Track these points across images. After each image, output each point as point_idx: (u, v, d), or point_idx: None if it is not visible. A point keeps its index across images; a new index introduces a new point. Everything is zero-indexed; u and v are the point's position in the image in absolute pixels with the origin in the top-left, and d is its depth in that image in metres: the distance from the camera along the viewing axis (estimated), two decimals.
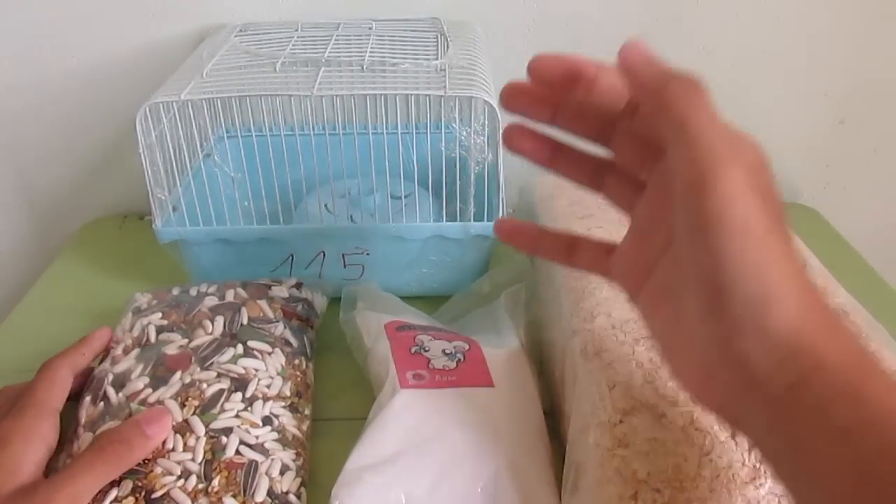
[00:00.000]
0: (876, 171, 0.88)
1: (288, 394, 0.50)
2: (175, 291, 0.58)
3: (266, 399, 0.48)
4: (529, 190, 0.68)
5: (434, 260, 0.64)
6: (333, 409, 0.55)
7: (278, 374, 0.51)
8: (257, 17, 0.76)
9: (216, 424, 0.46)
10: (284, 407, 0.49)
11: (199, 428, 0.45)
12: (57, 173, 0.84)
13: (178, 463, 0.44)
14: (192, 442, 0.45)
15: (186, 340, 0.52)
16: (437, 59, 0.63)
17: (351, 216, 0.64)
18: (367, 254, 0.64)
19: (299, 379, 0.52)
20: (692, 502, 0.38)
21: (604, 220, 0.59)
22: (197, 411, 0.46)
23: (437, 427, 0.47)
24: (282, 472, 0.45)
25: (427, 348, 0.53)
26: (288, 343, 0.54)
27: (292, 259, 0.64)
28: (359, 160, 0.62)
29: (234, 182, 0.63)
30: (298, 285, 0.60)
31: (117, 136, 0.82)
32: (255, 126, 0.75)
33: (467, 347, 0.53)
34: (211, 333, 0.52)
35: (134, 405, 0.47)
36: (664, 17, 0.77)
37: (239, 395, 0.48)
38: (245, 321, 0.54)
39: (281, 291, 0.58)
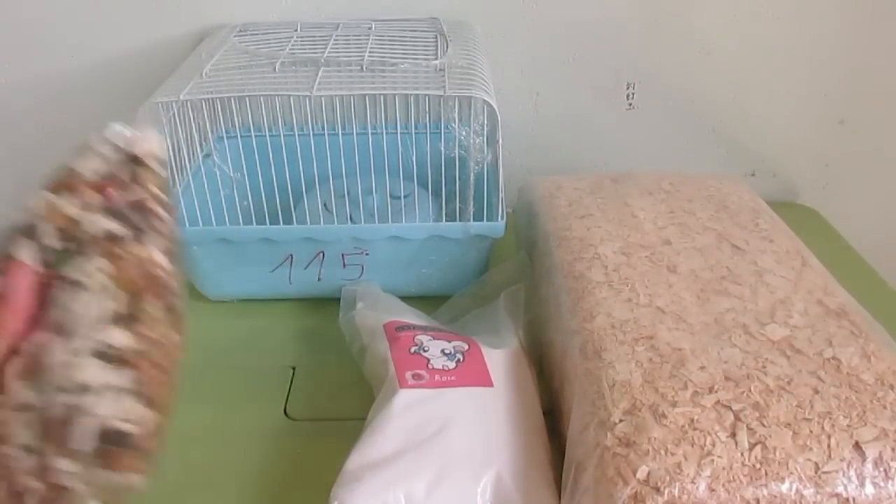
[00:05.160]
0: (876, 171, 0.88)
1: (106, 310, 0.40)
2: None
3: (79, 331, 0.39)
4: (529, 190, 0.68)
5: (433, 260, 0.64)
6: (333, 409, 0.55)
7: (100, 285, 0.40)
8: (257, 18, 0.76)
9: (39, 387, 0.38)
10: (112, 323, 0.40)
11: (26, 395, 0.38)
12: None
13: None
14: (20, 415, 0.38)
15: None
16: (436, 59, 0.63)
17: (350, 216, 0.64)
18: (367, 254, 0.64)
19: (129, 274, 0.41)
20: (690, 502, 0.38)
21: (603, 220, 0.59)
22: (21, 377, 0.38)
23: (436, 427, 0.47)
24: (110, 402, 0.38)
25: (426, 348, 0.53)
26: (110, 236, 0.42)
27: (292, 259, 0.64)
28: (358, 160, 0.62)
29: (234, 182, 0.63)
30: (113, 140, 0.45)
31: None
32: (254, 126, 0.75)
33: (467, 347, 0.53)
34: None
35: None
36: (664, 17, 0.77)
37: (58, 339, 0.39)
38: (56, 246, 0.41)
39: (93, 162, 0.44)
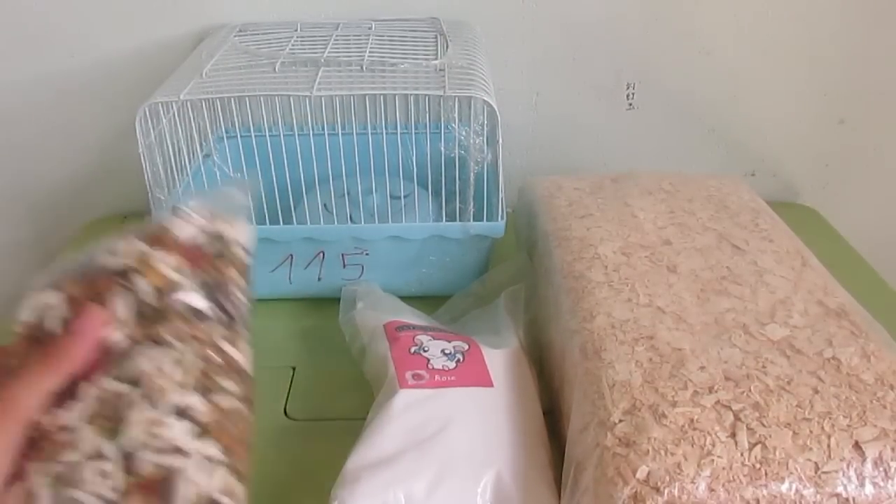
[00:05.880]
0: (876, 171, 0.88)
1: (187, 377, 0.39)
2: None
3: (163, 390, 0.38)
4: (529, 190, 0.68)
5: (434, 260, 0.64)
6: (333, 409, 0.55)
7: (185, 351, 0.39)
8: (257, 18, 0.76)
9: (125, 441, 0.36)
10: (192, 391, 0.39)
11: (97, 442, 0.36)
12: (57, 173, 0.84)
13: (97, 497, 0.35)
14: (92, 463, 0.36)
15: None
16: (436, 59, 0.63)
17: (350, 216, 0.64)
18: (367, 254, 0.64)
19: (207, 351, 0.40)
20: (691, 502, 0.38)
21: (603, 220, 0.59)
22: (107, 431, 0.37)
23: (436, 427, 0.47)
24: (206, 472, 0.37)
25: (426, 348, 0.53)
26: (193, 311, 0.40)
27: (292, 259, 0.64)
28: (358, 160, 0.62)
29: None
30: (208, 211, 0.44)
31: (117, 137, 0.82)
32: (254, 126, 0.75)
33: (467, 347, 0.53)
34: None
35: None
36: (664, 17, 0.77)
37: (139, 394, 0.38)
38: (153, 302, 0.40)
39: (184, 227, 0.42)
